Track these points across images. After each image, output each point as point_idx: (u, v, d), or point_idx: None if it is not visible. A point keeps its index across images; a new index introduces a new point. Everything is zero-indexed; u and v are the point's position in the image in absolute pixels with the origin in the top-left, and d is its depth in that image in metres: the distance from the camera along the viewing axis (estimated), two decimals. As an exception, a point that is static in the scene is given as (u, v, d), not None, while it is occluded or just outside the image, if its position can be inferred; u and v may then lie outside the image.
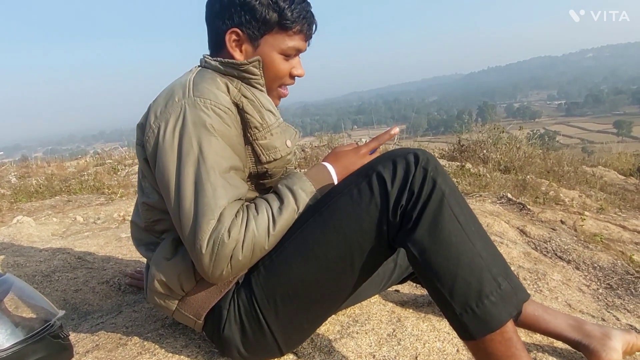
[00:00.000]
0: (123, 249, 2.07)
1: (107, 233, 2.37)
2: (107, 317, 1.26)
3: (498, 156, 5.45)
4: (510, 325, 0.81)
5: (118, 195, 3.49)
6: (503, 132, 5.96)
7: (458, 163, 5.09)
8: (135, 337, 1.10)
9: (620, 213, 3.71)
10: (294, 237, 0.91)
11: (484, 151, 5.67)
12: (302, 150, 5.67)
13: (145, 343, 1.07)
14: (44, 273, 1.58)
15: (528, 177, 4.72)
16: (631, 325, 1.45)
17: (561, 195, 3.98)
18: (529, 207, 3.17)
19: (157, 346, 1.06)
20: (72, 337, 1.13)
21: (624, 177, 5.94)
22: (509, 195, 3.49)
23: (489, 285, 0.81)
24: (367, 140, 1.10)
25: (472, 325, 0.80)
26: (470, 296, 0.80)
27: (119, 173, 4.58)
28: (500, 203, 3.28)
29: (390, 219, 0.85)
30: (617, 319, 1.52)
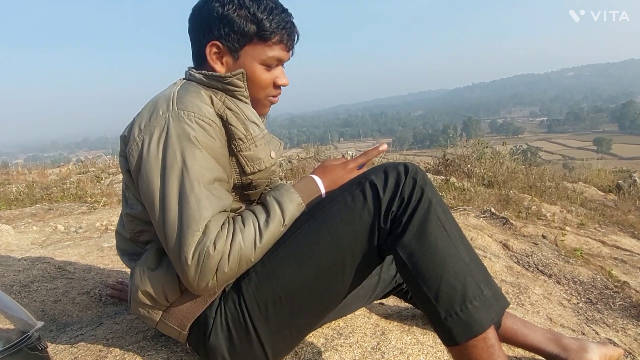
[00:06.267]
0: (105, 259, 2.04)
1: (88, 242, 2.33)
2: (87, 328, 1.23)
3: (482, 171, 5.53)
4: (492, 332, 0.84)
5: (101, 204, 3.43)
6: (487, 147, 6.06)
7: (443, 177, 5.15)
8: (116, 350, 1.07)
9: (599, 228, 3.79)
10: (287, 242, 0.92)
11: (468, 166, 5.75)
12: (289, 162, 5.67)
13: (126, 355, 1.05)
14: (22, 283, 1.54)
15: (511, 192, 4.80)
16: (610, 339, 1.47)
17: (543, 210, 4.05)
18: (511, 221, 3.22)
19: (138, 358, 1.04)
20: (51, 349, 1.11)
21: (604, 194, 6.07)
22: (492, 210, 3.54)
23: (473, 290, 0.84)
24: (355, 155, 1.11)
25: (456, 329, 0.83)
26: (454, 300, 0.83)
27: (102, 182, 4.51)
28: (483, 217, 3.33)
29: (382, 225, 0.89)
30: (597, 333, 1.55)
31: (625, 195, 5.60)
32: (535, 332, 1.18)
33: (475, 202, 4.09)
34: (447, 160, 5.82)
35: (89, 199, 3.64)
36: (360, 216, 0.89)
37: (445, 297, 0.83)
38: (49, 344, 1.14)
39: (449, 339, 0.85)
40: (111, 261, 1.99)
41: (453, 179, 5.05)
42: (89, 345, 1.10)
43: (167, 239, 0.85)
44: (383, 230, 0.89)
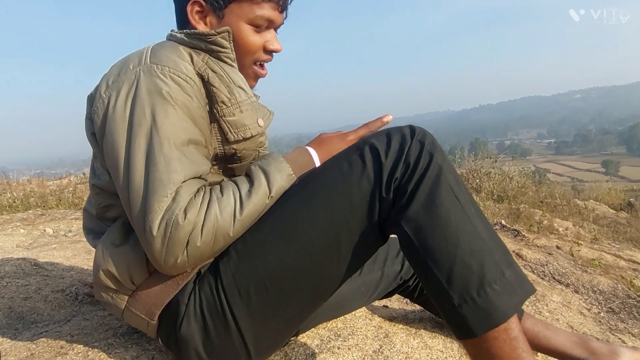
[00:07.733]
0: (91, 261, 1.91)
1: (76, 246, 2.20)
2: (54, 325, 1.10)
3: (491, 185, 5.39)
4: (515, 322, 0.69)
5: (96, 210, 3.33)
6: (496, 161, 5.95)
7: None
8: (79, 346, 0.94)
9: (613, 244, 3.62)
10: (273, 216, 0.79)
11: (477, 180, 5.61)
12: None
13: (90, 353, 0.91)
14: (-9, 279, 1.42)
15: (521, 206, 4.64)
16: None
17: (555, 224, 3.89)
18: (523, 233, 3.07)
19: (103, 356, 0.90)
20: (8, 346, 0.98)
21: (615, 212, 5.89)
22: (503, 222, 3.39)
23: (492, 271, 0.69)
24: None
25: (472, 318, 0.68)
26: (470, 282, 0.68)
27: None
28: (494, 229, 3.18)
29: (384, 195, 0.75)
30: (623, 342, 1.40)
31: (637, 213, 5.43)
32: (559, 334, 1.03)
33: (485, 215, 3.93)
34: (454, 174, 5.69)
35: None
36: (358, 185, 0.75)
37: (459, 280, 0.69)
38: (9, 341, 1.02)
39: (464, 331, 0.69)
40: (97, 263, 1.86)
41: (461, 193, 4.90)
42: (50, 341, 0.97)
43: (131, 205, 0.73)
44: (385, 201, 0.75)
